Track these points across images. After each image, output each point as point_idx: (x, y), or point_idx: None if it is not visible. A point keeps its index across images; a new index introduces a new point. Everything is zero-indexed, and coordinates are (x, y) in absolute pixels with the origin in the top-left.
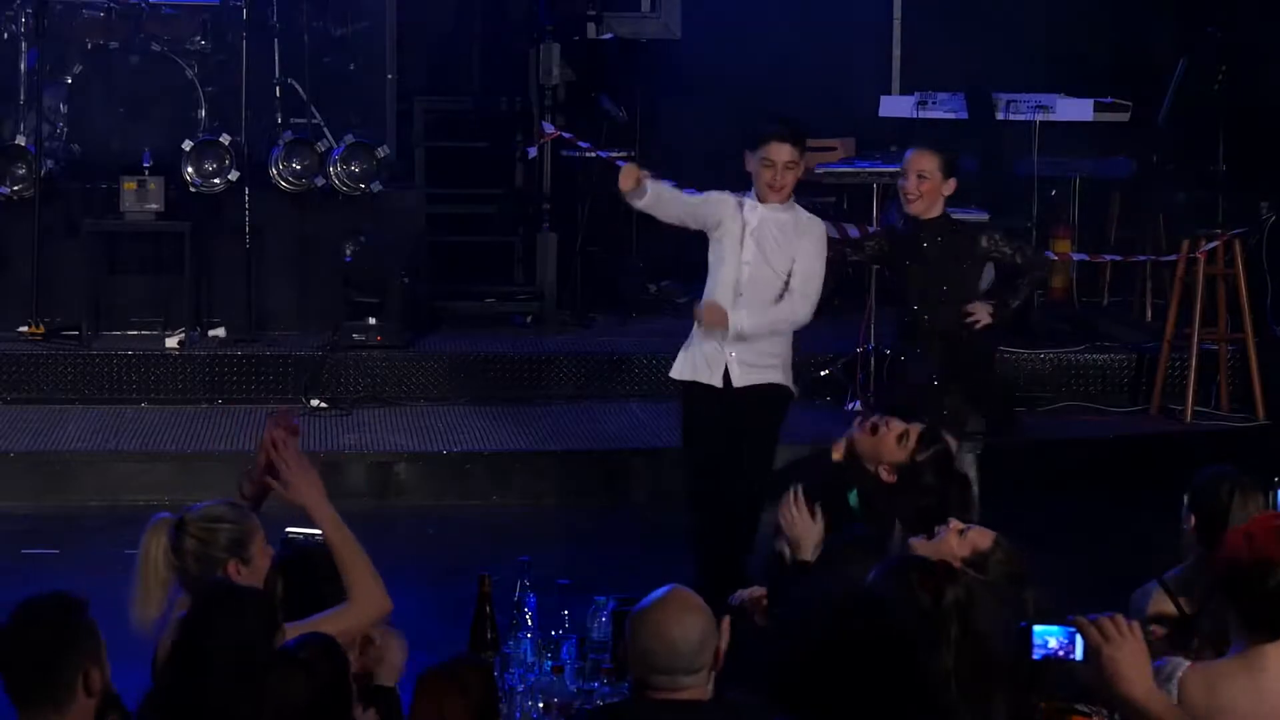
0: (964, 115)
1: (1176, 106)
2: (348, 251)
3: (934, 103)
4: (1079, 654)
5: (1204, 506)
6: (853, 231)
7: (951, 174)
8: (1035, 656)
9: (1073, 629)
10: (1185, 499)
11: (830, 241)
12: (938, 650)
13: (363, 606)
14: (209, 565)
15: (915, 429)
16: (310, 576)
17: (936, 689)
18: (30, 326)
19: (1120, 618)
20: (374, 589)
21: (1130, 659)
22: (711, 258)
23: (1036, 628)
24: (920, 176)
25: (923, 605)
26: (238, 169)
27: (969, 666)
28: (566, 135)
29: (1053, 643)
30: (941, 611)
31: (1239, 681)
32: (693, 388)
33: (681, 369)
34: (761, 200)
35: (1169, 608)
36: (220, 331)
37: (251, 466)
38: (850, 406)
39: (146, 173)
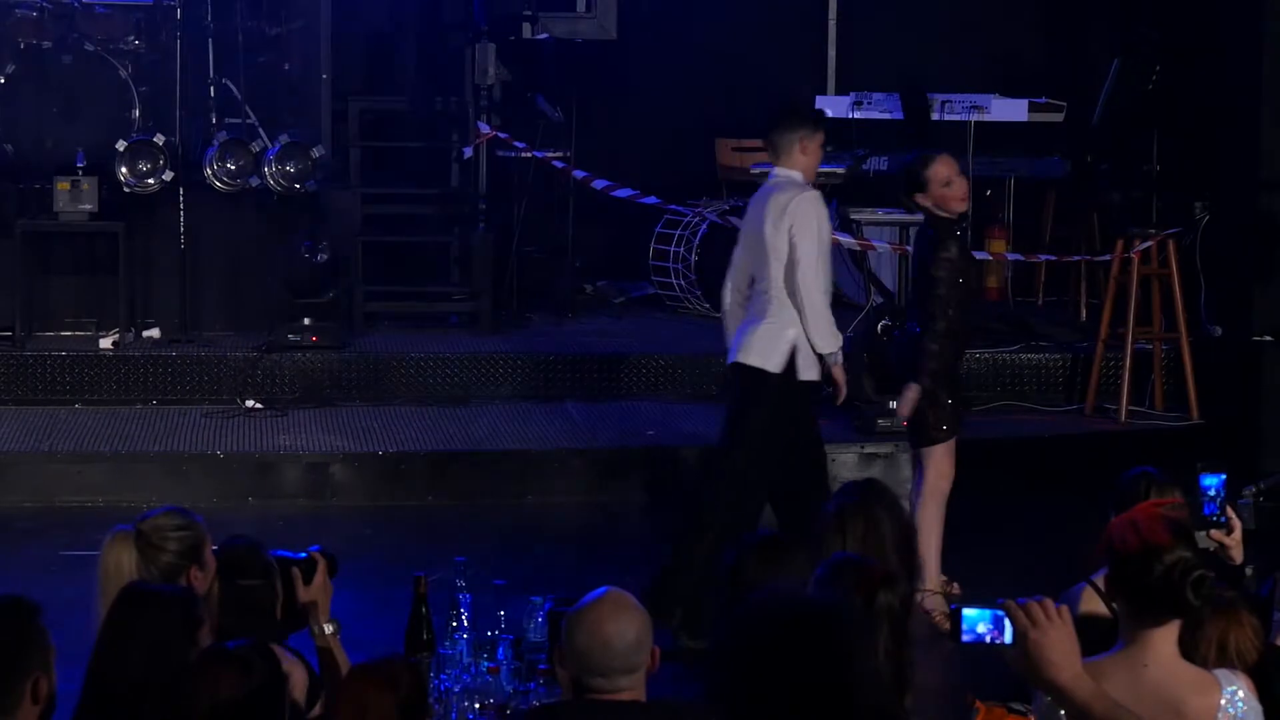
0: (899, 115)
1: (1110, 107)
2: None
3: (869, 103)
4: (1008, 638)
5: (1124, 505)
6: None
7: None
8: (964, 640)
9: (1001, 613)
10: (1109, 500)
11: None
12: (869, 653)
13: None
14: (173, 572)
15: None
16: (236, 576)
17: (866, 692)
18: None
19: (1049, 602)
20: None
21: (1057, 644)
22: (822, 264)
23: (965, 611)
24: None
25: (855, 607)
26: (172, 169)
27: (895, 670)
28: (502, 135)
29: (981, 627)
30: (873, 614)
31: (1121, 678)
32: (809, 386)
33: (808, 371)
34: None
35: (1100, 608)
36: (155, 332)
37: None
38: None
39: (80, 173)
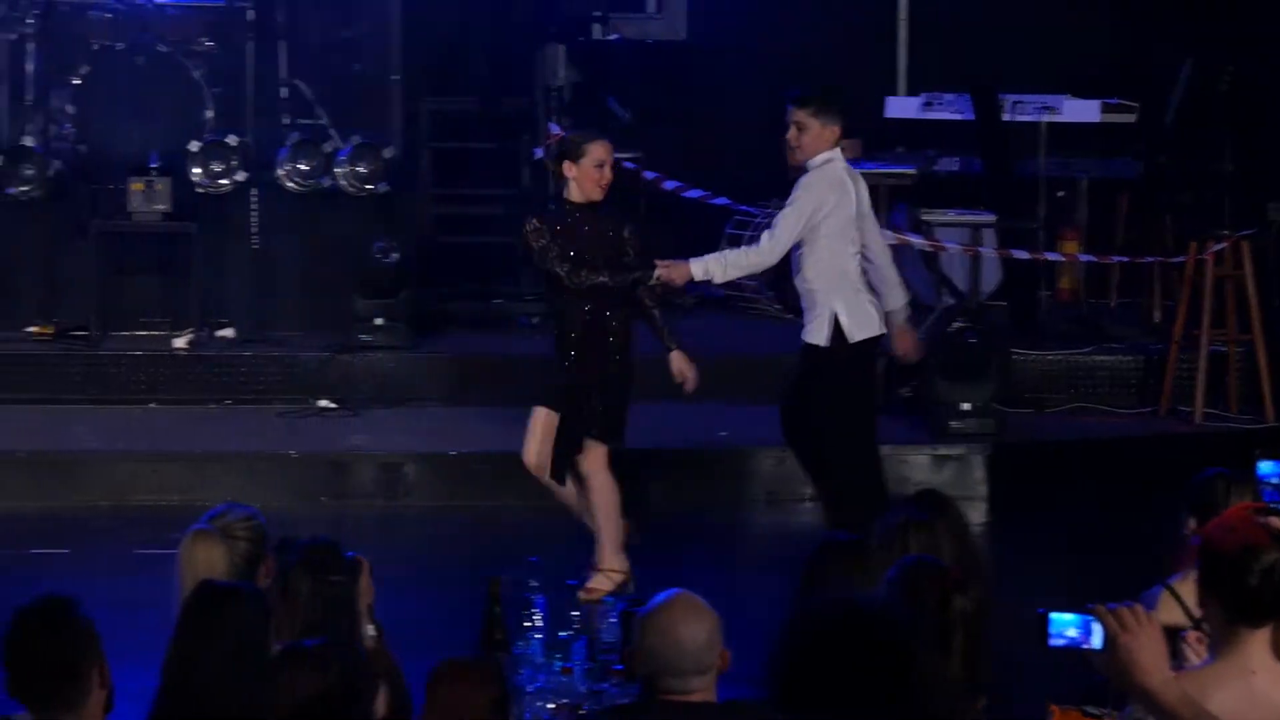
0: (970, 116)
1: (1183, 107)
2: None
3: (940, 104)
4: (1097, 643)
5: (1201, 508)
6: None
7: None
8: (1052, 644)
9: (1090, 617)
10: (1183, 503)
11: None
12: (941, 658)
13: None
14: (252, 562)
15: None
16: (322, 572)
17: (934, 698)
18: (39, 327)
19: (1139, 607)
20: None
21: (1147, 649)
22: None
23: (1053, 615)
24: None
25: (929, 612)
26: (244, 169)
27: (970, 674)
28: None
29: (1071, 631)
30: (947, 618)
31: (1232, 688)
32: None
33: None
34: None
35: (1177, 613)
36: (228, 332)
37: None
38: None
39: (154, 173)
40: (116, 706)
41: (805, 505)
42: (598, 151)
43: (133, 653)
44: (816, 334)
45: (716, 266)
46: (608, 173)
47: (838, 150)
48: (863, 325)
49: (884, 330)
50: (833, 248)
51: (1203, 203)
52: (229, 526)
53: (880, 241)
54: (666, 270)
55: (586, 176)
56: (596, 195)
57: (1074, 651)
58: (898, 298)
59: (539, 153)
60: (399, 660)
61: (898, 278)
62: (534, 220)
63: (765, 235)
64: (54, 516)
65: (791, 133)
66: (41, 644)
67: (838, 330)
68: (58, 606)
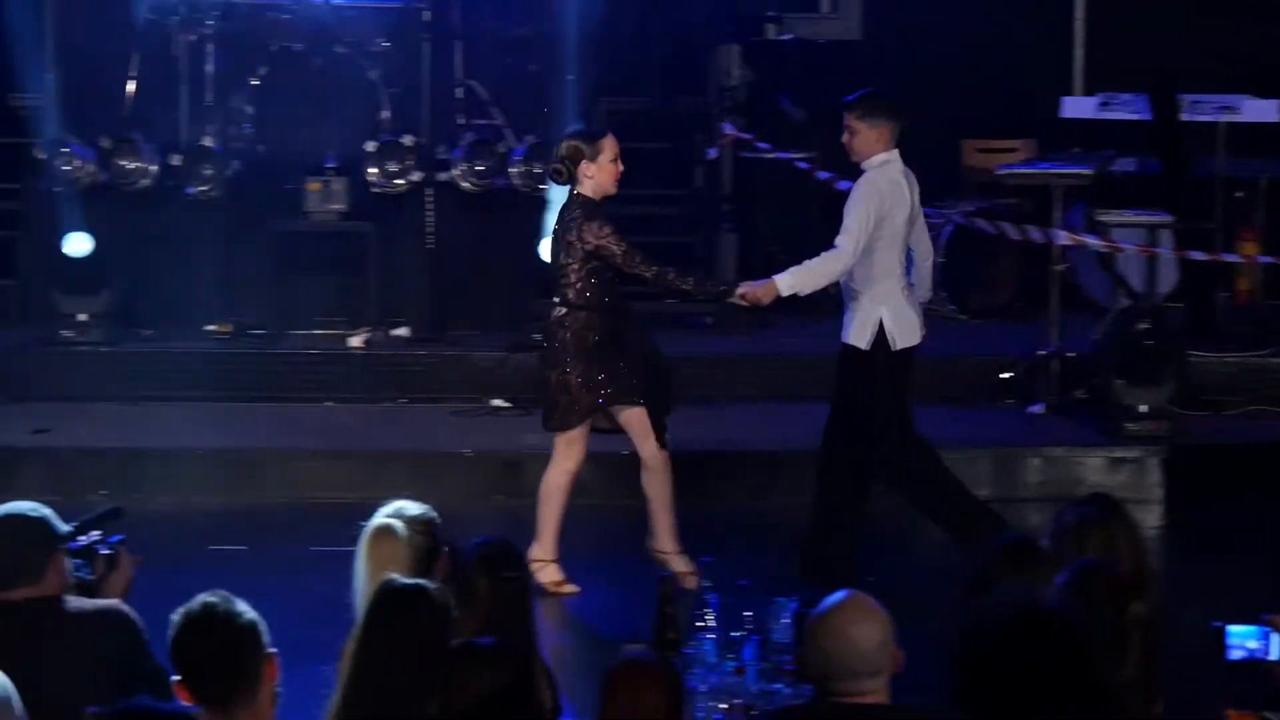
0: (1147, 116)
1: None
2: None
3: (1117, 103)
4: (1276, 654)
5: None
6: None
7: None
8: (1230, 658)
9: (1268, 629)
10: None
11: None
12: (1117, 662)
13: None
14: (429, 557)
15: None
16: (499, 570)
17: (1111, 700)
18: (218, 325)
19: None
20: None
21: None
22: None
23: (1231, 629)
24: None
25: (1105, 617)
26: (420, 170)
27: (1145, 678)
28: (746, 136)
29: (1250, 644)
30: (1124, 624)
31: None
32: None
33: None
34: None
35: None
36: (404, 330)
37: None
38: (1033, 409)
39: (330, 173)
40: (289, 703)
41: None
42: (611, 146)
43: (307, 649)
44: (858, 336)
45: (802, 280)
46: (621, 165)
47: (895, 152)
48: (906, 333)
49: (921, 338)
50: (885, 250)
51: None
52: (409, 522)
53: (926, 241)
54: (753, 290)
55: (607, 172)
56: (614, 190)
57: (1254, 665)
58: (923, 295)
59: (713, 153)
60: (568, 656)
61: (930, 279)
62: (605, 225)
63: (840, 239)
64: (232, 513)
65: (845, 136)
66: (203, 643)
67: (881, 335)
68: (217, 605)
